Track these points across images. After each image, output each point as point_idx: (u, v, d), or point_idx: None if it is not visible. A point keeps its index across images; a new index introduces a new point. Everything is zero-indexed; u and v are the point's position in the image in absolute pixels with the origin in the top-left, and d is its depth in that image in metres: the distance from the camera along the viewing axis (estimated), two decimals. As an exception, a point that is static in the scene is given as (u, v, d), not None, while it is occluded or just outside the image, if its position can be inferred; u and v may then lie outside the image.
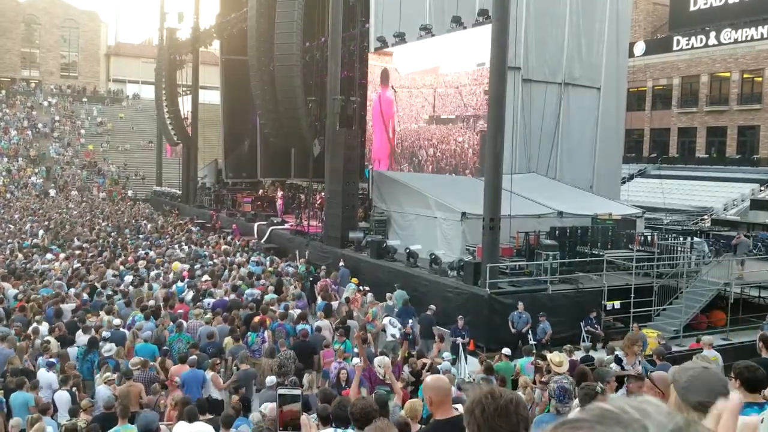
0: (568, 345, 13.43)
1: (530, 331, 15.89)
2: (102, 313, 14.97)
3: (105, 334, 13.01)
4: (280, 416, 3.01)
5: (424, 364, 12.06)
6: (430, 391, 4.04)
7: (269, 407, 7.99)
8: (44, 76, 74.16)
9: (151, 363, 11.66)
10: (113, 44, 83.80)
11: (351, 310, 16.44)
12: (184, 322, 14.04)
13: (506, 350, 12.71)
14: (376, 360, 10.01)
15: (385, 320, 15.51)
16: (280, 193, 35.36)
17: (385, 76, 24.63)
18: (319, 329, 14.32)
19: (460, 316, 15.74)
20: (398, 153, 23.92)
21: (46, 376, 11.09)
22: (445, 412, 4.01)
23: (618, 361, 8.97)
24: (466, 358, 14.60)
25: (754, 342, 8.72)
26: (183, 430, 7.07)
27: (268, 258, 23.89)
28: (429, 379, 4.43)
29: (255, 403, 10.84)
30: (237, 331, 13.71)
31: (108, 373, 10.49)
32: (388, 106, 24.42)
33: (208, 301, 16.61)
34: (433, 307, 16.29)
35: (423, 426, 6.89)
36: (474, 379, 11.35)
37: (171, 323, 14.29)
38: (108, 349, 11.99)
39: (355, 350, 12.22)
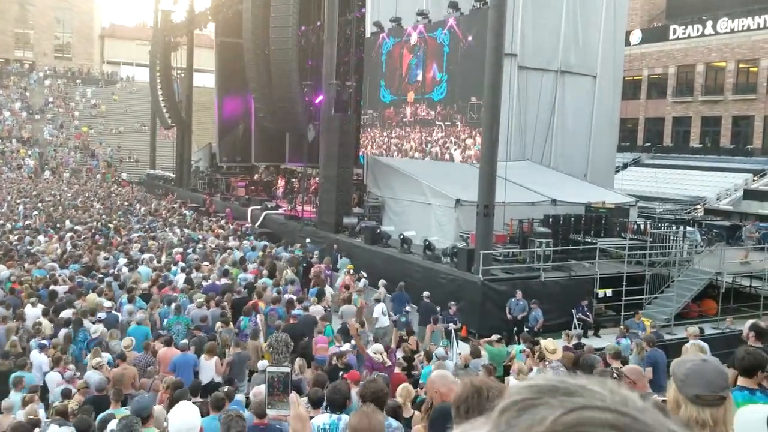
0: (568, 331, 13.51)
1: (525, 319, 16.01)
2: (92, 294, 14.93)
3: (100, 315, 13.00)
4: (268, 394, 3.01)
5: (415, 350, 12.16)
6: (441, 385, 4.19)
7: (254, 391, 8.03)
8: (38, 57, 73.57)
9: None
10: (107, 26, 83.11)
11: (350, 295, 16.49)
12: (184, 305, 14.07)
13: (495, 336, 12.83)
14: (370, 348, 10.15)
15: (377, 309, 15.58)
16: (281, 181, 35.26)
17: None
18: (306, 309, 14.41)
19: (451, 303, 15.79)
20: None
21: (37, 358, 11.09)
22: None
23: None
24: (458, 344, 14.66)
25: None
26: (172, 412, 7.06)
27: (262, 243, 23.88)
28: (436, 375, 4.63)
29: (247, 388, 10.88)
30: (227, 315, 13.75)
31: (98, 358, 10.47)
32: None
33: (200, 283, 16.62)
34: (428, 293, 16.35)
35: (421, 411, 6.96)
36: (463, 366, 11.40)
37: (164, 306, 14.30)
38: (95, 330, 11.98)
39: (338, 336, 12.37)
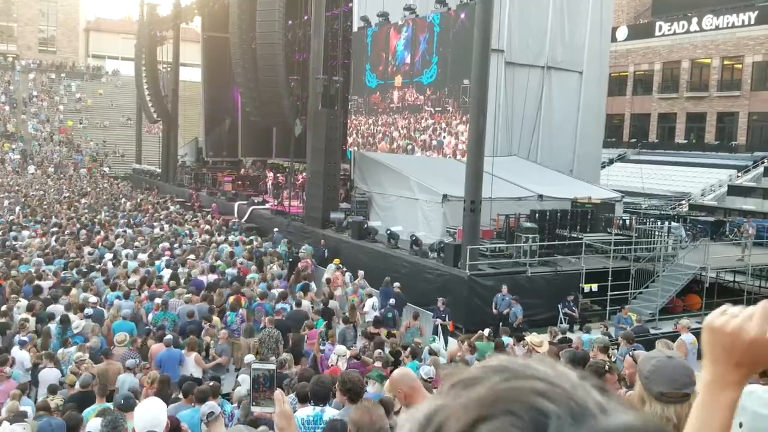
0: (553, 327, 13.58)
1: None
2: (75, 290, 14.80)
3: (87, 311, 12.90)
4: (253, 391, 2.98)
5: (405, 346, 12.16)
6: (403, 384, 4.03)
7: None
8: (22, 51, 72.76)
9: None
10: (93, 19, 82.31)
11: (332, 291, 16.48)
12: (169, 301, 13.99)
13: (486, 331, 12.83)
14: (335, 350, 10.16)
15: (368, 304, 15.64)
16: (270, 175, 35.14)
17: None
18: (299, 304, 14.38)
19: (440, 298, 15.84)
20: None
21: (19, 355, 10.99)
22: (423, 396, 4.05)
23: None
24: (446, 339, 14.69)
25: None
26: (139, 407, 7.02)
27: (249, 238, 23.79)
28: (396, 374, 4.36)
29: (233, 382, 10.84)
30: (215, 311, 13.69)
31: (80, 353, 10.39)
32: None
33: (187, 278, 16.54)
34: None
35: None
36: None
37: (148, 302, 14.21)
38: (76, 326, 11.89)
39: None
